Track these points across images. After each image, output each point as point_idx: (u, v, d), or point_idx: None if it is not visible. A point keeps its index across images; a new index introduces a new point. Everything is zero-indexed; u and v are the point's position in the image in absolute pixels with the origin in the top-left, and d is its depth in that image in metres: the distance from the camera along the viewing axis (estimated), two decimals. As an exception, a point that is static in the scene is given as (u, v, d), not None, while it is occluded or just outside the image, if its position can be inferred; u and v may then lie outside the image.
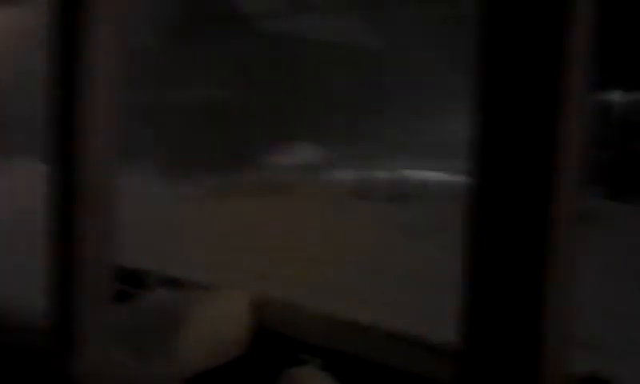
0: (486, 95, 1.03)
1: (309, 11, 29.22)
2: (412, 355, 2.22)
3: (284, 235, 11.71)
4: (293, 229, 12.32)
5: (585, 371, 1.68)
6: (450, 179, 16.72)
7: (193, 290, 3.02)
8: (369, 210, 14.45)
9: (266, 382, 2.33)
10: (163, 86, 27.77)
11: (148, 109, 27.68)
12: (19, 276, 4.58)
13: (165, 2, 28.37)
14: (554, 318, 0.98)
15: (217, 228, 12.53)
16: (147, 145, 25.79)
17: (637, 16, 13.76)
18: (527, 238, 0.99)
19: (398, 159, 24.73)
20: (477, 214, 1.06)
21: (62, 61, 1.94)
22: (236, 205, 15.30)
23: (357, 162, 23.03)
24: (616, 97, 17.22)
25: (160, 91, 27.59)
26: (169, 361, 2.38)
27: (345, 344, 2.40)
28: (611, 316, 6.90)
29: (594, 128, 16.29)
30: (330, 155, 26.49)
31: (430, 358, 2.19)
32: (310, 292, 7.31)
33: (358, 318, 2.47)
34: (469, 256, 1.07)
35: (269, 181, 18.35)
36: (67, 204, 1.91)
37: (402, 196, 15.85)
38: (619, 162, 15.66)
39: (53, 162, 1.95)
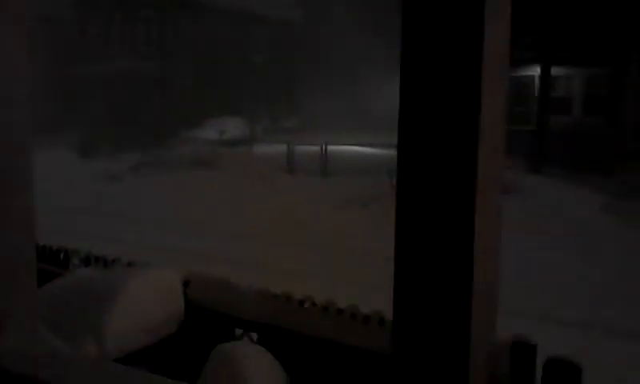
0: (410, 75, 1.04)
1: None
2: (346, 327, 2.25)
3: (209, 210, 11.58)
4: (219, 204, 12.19)
5: (510, 336, 1.73)
6: (375, 152, 16.98)
7: (119, 268, 2.94)
8: (296, 184, 14.48)
9: (199, 358, 2.30)
10: (83, 60, 26.70)
11: (66, 82, 26.57)
12: None
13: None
14: (481, 282, 1.01)
15: (139, 205, 12.24)
16: (67, 120, 24.79)
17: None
18: (455, 205, 1.01)
19: (323, 132, 24.86)
20: (404, 186, 1.07)
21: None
22: (159, 180, 14.99)
23: (282, 136, 22.98)
24: (536, 73, 17.86)
25: (80, 65, 26.52)
26: (96, 341, 2.32)
27: (278, 317, 2.40)
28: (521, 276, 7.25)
29: (516, 104, 16.93)
30: (256, 129, 26.33)
31: (363, 329, 2.22)
32: (236, 267, 7.29)
33: (290, 292, 2.47)
34: (398, 228, 1.08)
35: (194, 155, 18.03)
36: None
37: (327, 170, 15.96)
38: (540, 136, 16.32)
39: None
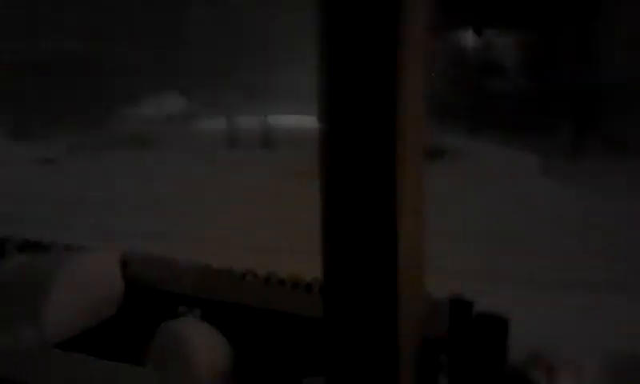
0: (330, 43, 1.05)
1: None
2: (289, 296, 2.27)
3: (149, 189, 11.38)
4: (159, 182, 12.00)
5: (448, 294, 1.79)
6: (312, 122, 16.91)
7: (56, 252, 2.87)
8: (237, 157, 14.37)
9: (143, 338, 2.28)
10: (11, 40, 25.51)
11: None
12: None
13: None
14: (406, 244, 1.03)
15: (75, 187, 11.92)
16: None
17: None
18: (377, 172, 1.02)
19: (264, 105, 24.67)
20: (329, 156, 1.08)
21: None
22: (96, 161, 14.61)
23: (222, 110, 22.67)
24: (469, 37, 18.16)
25: (8, 45, 25.34)
26: (34, 328, 2.27)
27: (222, 292, 2.40)
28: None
29: (452, 67, 17.16)
30: (194, 104, 25.88)
31: (306, 296, 2.25)
32: (180, 244, 7.22)
33: (232, 266, 2.47)
34: (325, 195, 1.09)
35: (131, 134, 17.61)
36: None
37: (270, 141, 15.89)
38: (477, 99, 16.67)
39: None
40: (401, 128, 1.02)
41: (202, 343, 2.20)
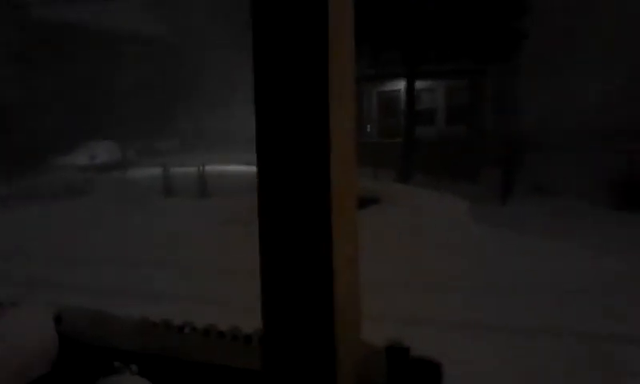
0: (263, 91, 1.10)
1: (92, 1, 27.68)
2: (229, 349, 2.27)
3: (80, 239, 11.07)
4: (91, 231, 11.69)
5: (383, 340, 1.84)
6: (253, 170, 17.00)
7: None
8: (172, 206, 14.18)
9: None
10: None
11: None
12: None
13: None
14: (343, 292, 1.09)
15: (6, 239, 11.46)
16: None
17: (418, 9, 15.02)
18: (312, 221, 1.08)
19: (199, 153, 24.54)
20: (265, 204, 1.13)
21: None
22: (28, 212, 14.11)
23: (157, 159, 22.43)
24: (401, 87, 18.71)
25: None
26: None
27: (159, 346, 2.37)
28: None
29: (384, 117, 17.59)
30: (129, 152, 25.48)
31: (246, 349, 2.25)
32: (113, 297, 7.05)
33: (170, 318, 2.46)
34: (262, 242, 1.14)
35: (64, 183, 17.13)
36: None
37: (205, 190, 15.78)
38: (407, 147, 17.09)
39: None
40: (334, 176, 1.09)
41: (139, 398, 2.17)
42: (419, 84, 18.35)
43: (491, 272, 8.20)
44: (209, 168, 16.69)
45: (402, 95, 18.69)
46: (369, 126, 20.76)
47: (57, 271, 8.94)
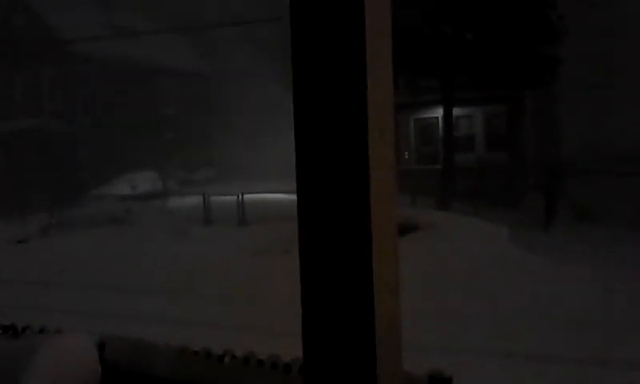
0: (302, 122, 1.11)
1: (132, 36, 28.48)
2: (268, 377, 2.26)
3: (124, 268, 11.23)
4: (134, 261, 11.86)
5: (425, 370, 1.80)
6: (293, 198, 17.09)
7: (30, 336, 2.82)
8: (213, 235, 14.32)
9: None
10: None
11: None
12: None
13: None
14: (383, 322, 1.07)
15: (48, 268, 11.71)
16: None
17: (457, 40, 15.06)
18: (351, 248, 1.07)
19: (239, 182, 24.81)
20: (304, 231, 1.12)
21: None
22: (69, 241, 14.41)
23: (197, 188, 22.75)
24: (439, 114, 18.66)
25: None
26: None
27: (199, 374, 2.38)
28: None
29: (423, 144, 17.58)
30: (169, 182, 25.92)
31: (285, 377, 2.24)
32: (152, 325, 7.11)
33: (211, 346, 2.46)
34: (303, 271, 1.13)
35: (105, 213, 17.49)
36: None
37: (245, 219, 15.91)
38: (446, 174, 16.96)
39: None
40: (374, 204, 1.08)
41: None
42: (457, 111, 18.27)
43: (543, 303, 8.00)
44: (248, 197, 16.83)
45: (440, 122, 18.62)
46: (407, 153, 20.71)
47: (98, 299, 9.08)
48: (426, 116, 20.49)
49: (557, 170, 18.29)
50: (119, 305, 8.73)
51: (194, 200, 17.75)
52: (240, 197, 16.35)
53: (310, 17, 1.10)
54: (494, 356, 6.12)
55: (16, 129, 25.00)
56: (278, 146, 29.67)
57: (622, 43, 25.25)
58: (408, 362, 1.43)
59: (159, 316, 7.93)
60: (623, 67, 25.20)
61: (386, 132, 1.12)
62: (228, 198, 17.01)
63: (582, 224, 14.97)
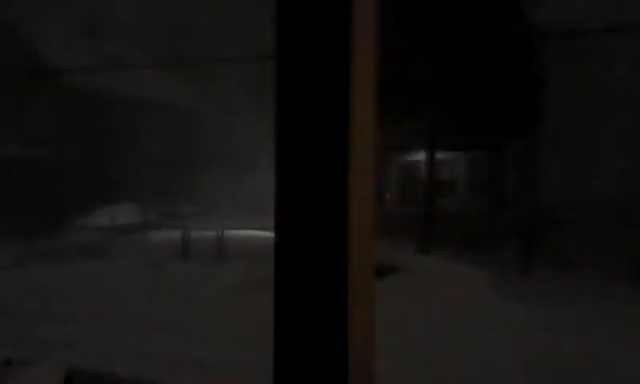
0: (285, 153, 1.10)
1: (122, 68, 28.60)
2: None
3: (97, 302, 11.05)
4: (108, 294, 11.68)
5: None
6: (266, 236, 17.11)
7: (-4, 368, 2.74)
8: (191, 270, 14.19)
9: None
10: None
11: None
12: None
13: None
14: (356, 360, 1.05)
15: (21, 298, 11.49)
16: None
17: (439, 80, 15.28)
18: (327, 288, 1.06)
19: (220, 218, 24.70)
20: (280, 270, 1.11)
21: None
22: (45, 272, 14.17)
23: (178, 222, 22.61)
24: (422, 157, 18.80)
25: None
26: None
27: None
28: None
29: (405, 187, 17.68)
30: (150, 215, 25.71)
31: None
32: (127, 359, 6.96)
33: (179, 381, 2.41)
34: (277, 309, 1.11)
35: (83, 244, 17.28)
36: None
37: (224, 254, 15.78)
38: (427, 217, 17.01)
39: None
40: (351, 243, 1.07)
41: None
42: (440, 155, 18.43)
43: (519, 352, 7.98)
44: (228, 232, 16.74)
45: (423, 165, 18.75)
46: (389, 194, 20.79)
47: (67, 331, 8.90)
48: (409, 159, 20.64)
49: (537, 218, 18.46)
50: (88, 338, 8.55)
51: (174, 234, 17.61)
52: (220, 232, 16.25)
53: (296, 58, 1.10)
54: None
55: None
56: (260, 183, 29.69)
57: (605, 96, 25.80)
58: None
59: (128, 350, 7.77)
60: (605, 119, 25.71)
61: (365, 169, 1.12)
62: (208, 233, 16.91)
63: (561, 272, 15.04)
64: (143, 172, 29.87)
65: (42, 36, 26.75)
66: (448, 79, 15.43)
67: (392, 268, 11.11)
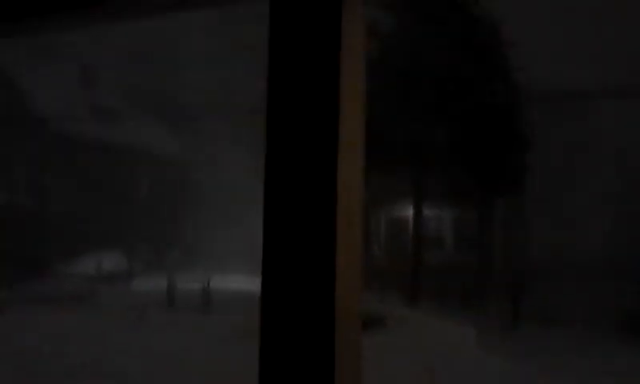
0: (273, 198, 1.12)
1: (109, 117, 28.77)
2: None
3: (78, 354, 10.77)
4: (88, 345, 11.42)
5: None
6: (256, 288, 16.98)
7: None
8: (174, 320, 13.96)
9: None
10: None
11: None
12: None
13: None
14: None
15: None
16: None
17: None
18: (313, 339, 1.06)
19: (207, 268, 24.50)
20: (266, 323, 1.11)
21: None
22: (25, 320, 13.89)
23: (163, 272, 22.38)
24: (410, 213, 18.88)
25: None
26: None
27: None
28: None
29: (391, 241, 17.68)
30: (135, 263, 25.48)
31: None
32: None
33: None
34: (261, 363, 1.11)
35: (66, 292, 17.02)
36: None
37: (210, 305, 15.59)
38: (414, 272, 16.98)
39: None
40: (339, 294, 1.08)
41: None
42: (428, 211, 18.54)
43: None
44: (214, 283, 16.57)
45: (411, 221, 18.83)
46: (377, 248, 20.78)
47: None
48: (397, 214, 20.72)
49: (525, 274, 18.45)
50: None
51: (159, 283, 17.42)
52: (206, 283, 16.08)
53: (285, 101, 1.13)
54: None
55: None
56: (249, 233, 29.58)
57: (589, 156, 26.20)
58: None
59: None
60: (590, 179, 26.04)
61: (354, 217, 1.14)
62: (194, 284, 16.75)
63: (547, 327, 14.97)
64: (131, 220, 29.71)
65: (32, 84, 26.89)
66: (435, 138, 15.67)
67: (380, 319, 11.05)
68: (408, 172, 16.72)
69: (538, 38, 18.87)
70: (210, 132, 36.10)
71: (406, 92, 15.30)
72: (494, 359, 10.30)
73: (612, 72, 22.85)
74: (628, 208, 25.14)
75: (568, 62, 23.71)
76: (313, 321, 1.06)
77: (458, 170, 15.79)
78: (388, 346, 9.68)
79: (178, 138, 36.22)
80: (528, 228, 25.95)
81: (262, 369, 1.10)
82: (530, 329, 14.88)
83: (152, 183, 32.45)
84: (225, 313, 14.30)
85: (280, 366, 1.09)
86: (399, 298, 16.45)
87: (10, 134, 25.69)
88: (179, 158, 35.43)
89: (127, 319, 13.97)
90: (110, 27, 31.10)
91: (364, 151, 1.22)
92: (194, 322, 13.61)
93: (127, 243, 27.10)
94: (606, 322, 14.41)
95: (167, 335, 12.25)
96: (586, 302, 16.49)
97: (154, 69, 37.09)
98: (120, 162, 29.82)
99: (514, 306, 15.65)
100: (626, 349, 12.67)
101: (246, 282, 18.79)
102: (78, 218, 26.57)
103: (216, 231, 33.30)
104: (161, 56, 37.15)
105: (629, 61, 22.94)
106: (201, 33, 34.68)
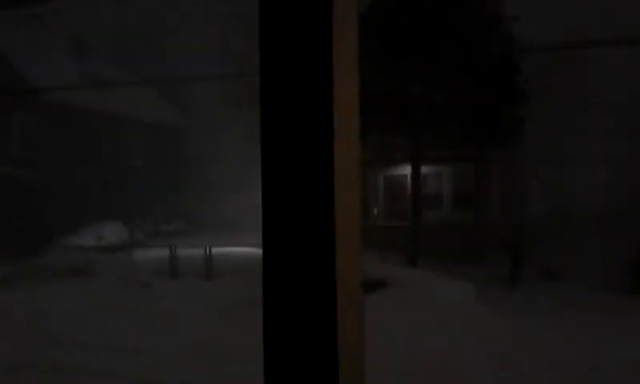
0: (270, 165, 1.12)
1: (104, 86, 28.55)
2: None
3: (80, 323, 10.91)
4: (91, 315, 11.56)
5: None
6: (255, 252, 17.07)
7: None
8: (178, 288, 14.09)
9: None
10: None
11: None
12: None
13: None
14: (347, 377, 1.06)
15: (4, 321, 11.36)
16: None
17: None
18: (315, 303, 1.07)
19: (208, 235, 24.61)
20: (268, 287, 1.12)
21: None
22: (29, 293, 14.02)
23: (165, 240, 22.48)
24: (408, 171, 18.87)
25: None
26: None
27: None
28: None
29: (391, 201, 17.70)
30: (136, 234, 25.57)
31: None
32: (105, 381, 6.91)
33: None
34: (266, 327, 1.12)
35: (68, 264, 17.11)
36: None
37: (212, 272, 15.69)
38: (413, 231, 17.04)
39: None
40: (339, 257, 1.09)
41: None
42: (425, 169, 18.52)
43: (503, 365, 8.00)
44: (215, 250, 16.65)
45: (409, 180, 18.83)
46: (376, 209, 20.84)
47: (48, 354, 8.79)
48: (395, 173, 20.73)
49: (524, 230, 18.56)
50: (67, 359, 8.45)
51: (161, 252, 17.49)
52: (208, 250, 16.14)
53: (278, 69, 1.12)
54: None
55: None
56: (247, 200, 29.65)
57: (586, 107, 26.13)
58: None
59: (113, 372, 7.70)
60: (587, 130, 26.00)
61: (351, 184, 1.14)
62: (196, 250, 16.81)
63: (546, 283, 15.12)
64: (129, 190, 29.74)
65: (26, 55, 26.63)
66: (431, 94, 15.57)
67: (381, 282, 11.13)
68: (404, 130, 16.67)
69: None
70: (210, 104, 35.90)
71: (400, 46, 15.15)
72: (494, 315, 10.42)
73: (612, 20, 22.68)
74: (628, 159, 25.19)
75: (566, 10, 23.55)
76: (314, 285, 1.06)
77: (454, 125, 15.72)
78: (389, 307, 9.78)
79: (178, 111, 36.12)
80: (527, 183, 26.05)
81: (266, 332, 1.11)
82: (530, 285, 15.02)
83: (153, 153, 32.41)
84: (224, 280, 14.44)
85: (283, 330, 1.09)
86: (399, 258, 16.56)
87: (4, 105, 25.54)
88: (179, 129, 35.36)
89: (130, 290, 14.10)
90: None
91: (359, 114, 1.21)
92: (196, 290, 13.73)
93: (129, 214, 27.20)
94: (607, 279, 14.55)
95: (169, 302, 12.37)
96: (587, 258, 16.63)
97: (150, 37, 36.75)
98: (118, 133, 29.72)
99: (513, 263, 15.76)
100: (627, 304, 12.82)
101: (247, 248, 18.92)
102: (78, 189, 26.59)
103: (217, 200, 33.39)
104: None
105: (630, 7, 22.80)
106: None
